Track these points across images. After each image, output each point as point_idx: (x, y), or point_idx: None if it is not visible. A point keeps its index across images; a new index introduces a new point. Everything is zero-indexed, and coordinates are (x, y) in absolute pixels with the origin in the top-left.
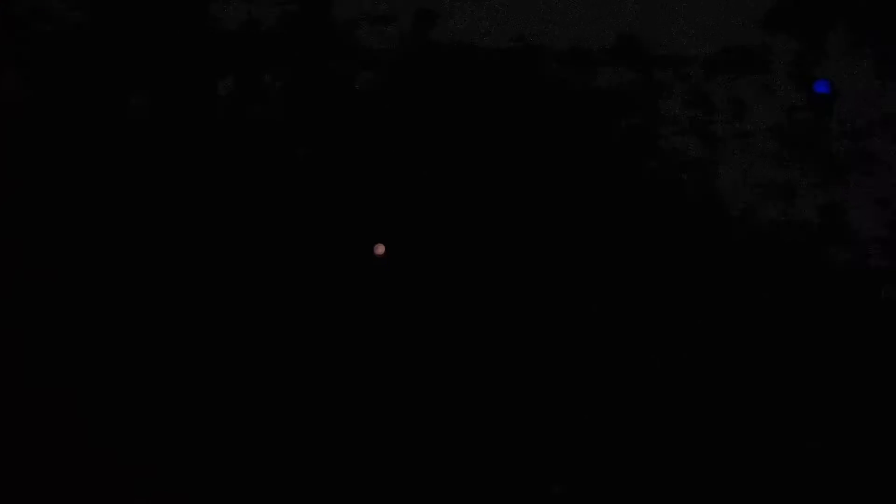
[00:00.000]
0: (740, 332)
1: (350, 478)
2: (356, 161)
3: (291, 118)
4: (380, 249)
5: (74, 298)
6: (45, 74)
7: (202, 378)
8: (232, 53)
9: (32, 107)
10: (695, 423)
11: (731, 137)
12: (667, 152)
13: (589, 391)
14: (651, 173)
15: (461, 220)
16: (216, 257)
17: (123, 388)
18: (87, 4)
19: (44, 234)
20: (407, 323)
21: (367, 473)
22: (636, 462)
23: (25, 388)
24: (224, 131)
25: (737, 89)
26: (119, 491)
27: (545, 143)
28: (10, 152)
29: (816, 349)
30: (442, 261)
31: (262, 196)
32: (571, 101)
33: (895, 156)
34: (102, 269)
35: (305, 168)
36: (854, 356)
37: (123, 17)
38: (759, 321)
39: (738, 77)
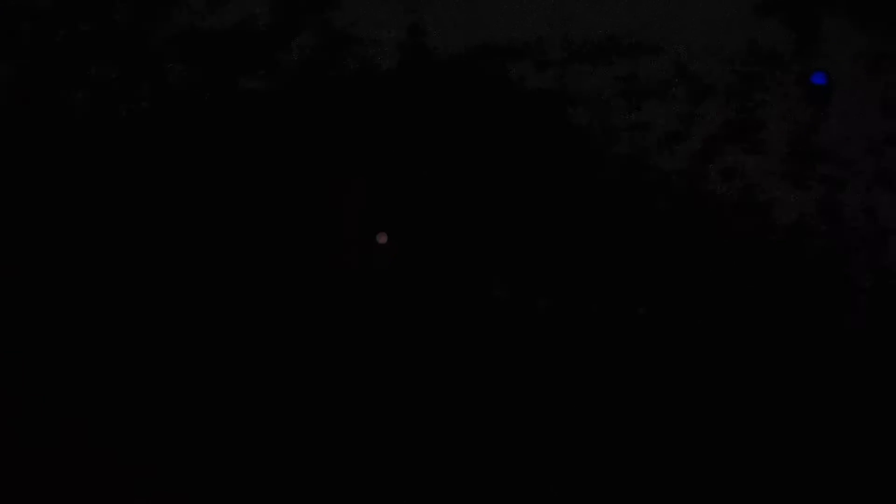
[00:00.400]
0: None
1: (350, 478)
2: (355, 160)
3: (288, 117)
4: (382, 238)
5: (73, 296)
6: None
7: (202, 378)
8: (229, 51)
9: (24, 100)
10: (688, 420)
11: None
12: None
13: (588, 390)
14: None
15: (460, 218)
16: (218, 257)
17: (122, 388)
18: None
19: (41, 230)
20: (406, 322)
21: (366, 473)
22: (632, 461)
23: (24, 388)
24: (221, 130)
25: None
26: (119, 491)
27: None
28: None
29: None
30: (441, 259)
31: (260, 196)
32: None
33: None
34: (112, 270)
35: (304, 167)
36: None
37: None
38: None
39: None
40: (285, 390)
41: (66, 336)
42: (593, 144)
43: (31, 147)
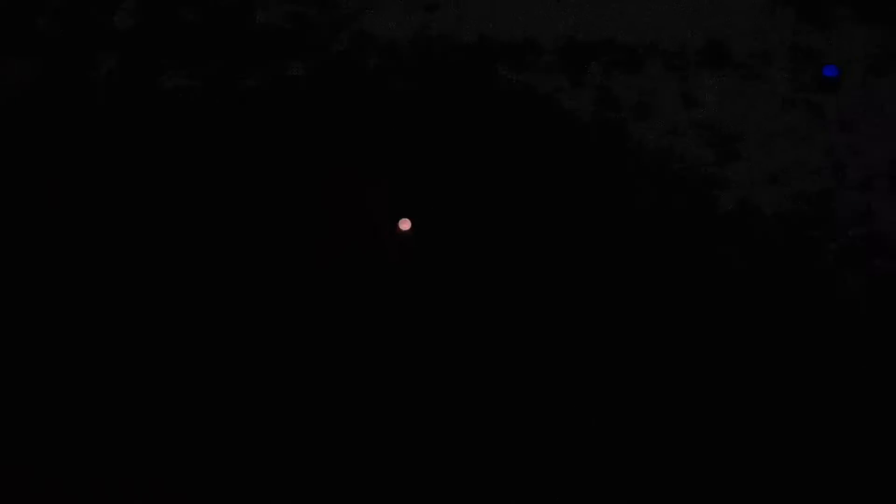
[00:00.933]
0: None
1: (350, 477)
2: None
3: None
4: (405, 225)
5: (75, 296)
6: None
7: (202, 377)
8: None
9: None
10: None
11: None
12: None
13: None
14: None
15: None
16: (220, 255)
17: (123, 388)
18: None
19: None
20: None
21: (367, 473)
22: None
23: (25, 388)
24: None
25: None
26: (119, 491)
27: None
28: (16, 141)
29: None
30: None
31: (258, 193)
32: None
33: None
34: (117, 269)
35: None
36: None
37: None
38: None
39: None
40: (285, 390)
41: (64, 335)
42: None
43: (50, 140)
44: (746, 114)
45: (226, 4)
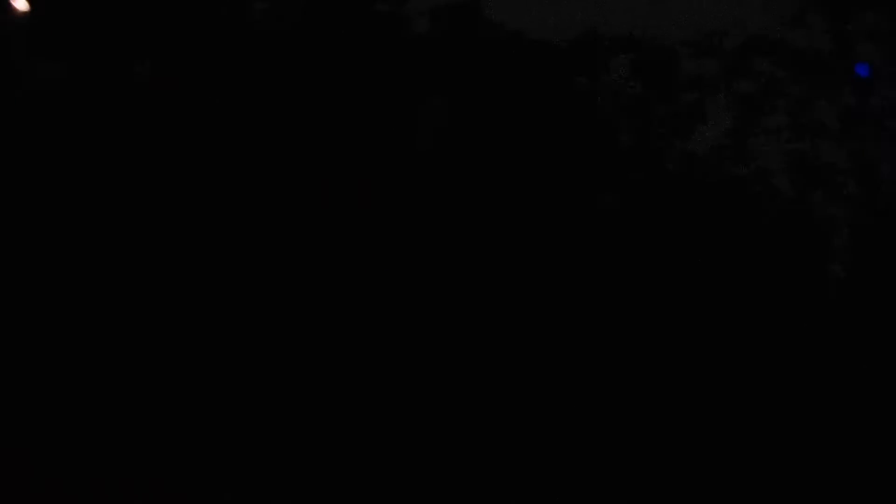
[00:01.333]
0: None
1: (350, 477)
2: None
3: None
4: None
5: (74, 296)
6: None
7: (202, 377)
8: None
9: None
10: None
11: None
12: None
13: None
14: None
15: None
16: (221, 252)
17: (122, 388)
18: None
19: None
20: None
21: (367, 473)
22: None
23: (25, 387)
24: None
25: None
26: (119, 491)
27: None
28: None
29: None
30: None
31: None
32: None
33: None
34: (114, 268)
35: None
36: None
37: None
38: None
39: None
40: (285, 390)
41: (65, 334)
42: None
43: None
44: None
45: None
